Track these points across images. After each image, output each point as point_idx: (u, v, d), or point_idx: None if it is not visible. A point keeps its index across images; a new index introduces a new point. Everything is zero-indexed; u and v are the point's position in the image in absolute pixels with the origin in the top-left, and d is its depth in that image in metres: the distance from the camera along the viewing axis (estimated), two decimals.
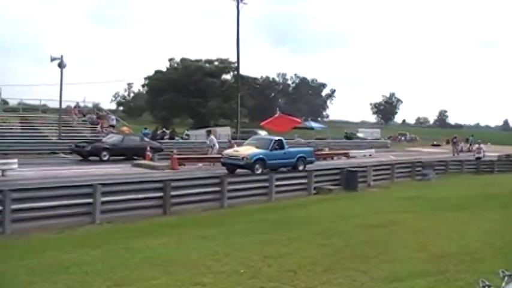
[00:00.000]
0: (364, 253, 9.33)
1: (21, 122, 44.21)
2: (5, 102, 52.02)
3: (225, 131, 55.40)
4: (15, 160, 24.27)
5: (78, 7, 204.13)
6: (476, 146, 44.85)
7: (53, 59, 40.14)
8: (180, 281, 7.63)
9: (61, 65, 40.16)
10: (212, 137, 34.65)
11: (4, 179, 21.77)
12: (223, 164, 27.39)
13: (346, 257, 9.04)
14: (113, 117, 49.71)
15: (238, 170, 25.74)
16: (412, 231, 11.60)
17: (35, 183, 18.59)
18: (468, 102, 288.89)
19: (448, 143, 72.41)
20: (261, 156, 26.33)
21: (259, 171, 25.32)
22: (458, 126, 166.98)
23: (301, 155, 29.11)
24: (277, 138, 29.54)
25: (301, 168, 27.50)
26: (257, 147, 27.49)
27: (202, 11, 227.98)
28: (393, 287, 7.31)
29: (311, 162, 29.37)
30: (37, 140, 38.98)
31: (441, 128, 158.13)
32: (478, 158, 38.48)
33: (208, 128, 47.67)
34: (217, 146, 32.80)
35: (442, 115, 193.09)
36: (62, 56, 40.27)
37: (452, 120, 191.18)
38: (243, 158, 26.00)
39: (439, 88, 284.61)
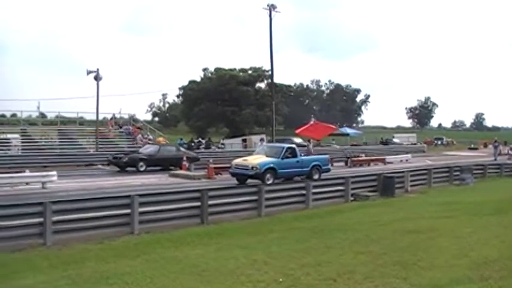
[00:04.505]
0: (404, 260, 9.20)
1: (59, 135, 45.07)
2: (43, 115, 53.09)
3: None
4: (55, 172, 24.70)
5: (112, 20, 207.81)
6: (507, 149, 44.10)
7: (89, 72, 40.90)
8: None
9: (97, 78, 40.85)
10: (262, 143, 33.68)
11: (44, 191, 22.18)
12: (233, 175, 26.23)
13: (386, 264, 8.93)
14: (147, 136, 49.77)
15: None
16: (452, 236, 11.41)
17: (74, 195, 18.93)
18: (505, 104, 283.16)
19: (485, 146, 71.35)
20: (271, 165, 25.10)
21: (270, 181, 24.09)
22: (495, 129, 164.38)
23: (316, 163, 27.68)
24: (289, 145, 28.75)
25: (316, 177, 26.28)
26: (267, 155, 26.10)
27: (233, 21, 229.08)
28: None
29: (327, 170, 28.01)
30: (75, 152, 39.74)
31: (478, 131, 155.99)
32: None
33: (261, 136, 47.76)
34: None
35: (479, 118, 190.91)
36: (97, 69, 41.04)
37: (489, 122, 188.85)
38: (252, 167, 24.91)
39: (475, 90, 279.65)
